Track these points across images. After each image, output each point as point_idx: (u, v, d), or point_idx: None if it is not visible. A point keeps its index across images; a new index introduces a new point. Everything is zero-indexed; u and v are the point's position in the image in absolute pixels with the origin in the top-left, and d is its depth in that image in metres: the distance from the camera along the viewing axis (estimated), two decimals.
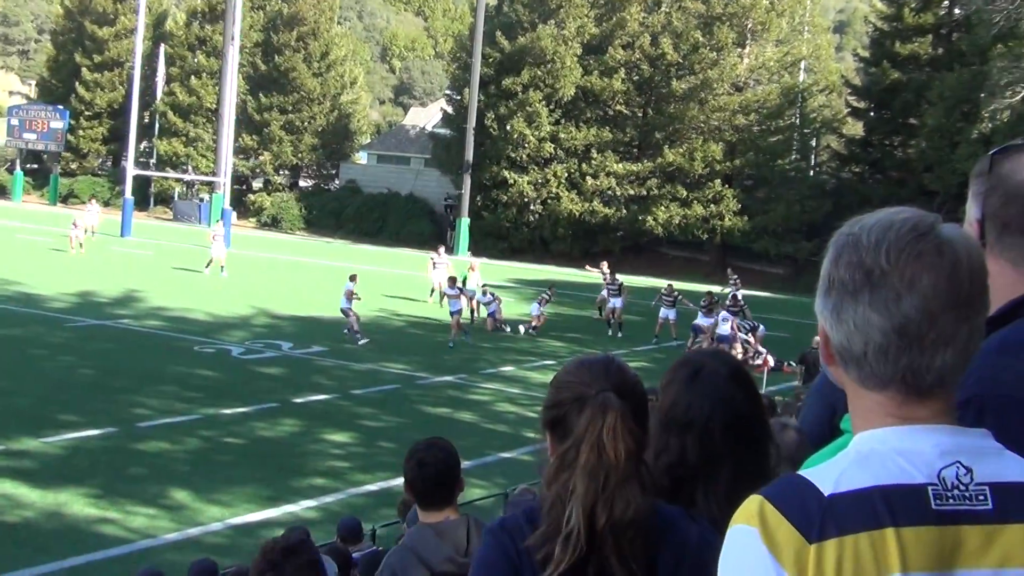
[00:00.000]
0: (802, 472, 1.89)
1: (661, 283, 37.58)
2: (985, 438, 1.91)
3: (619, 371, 2.86)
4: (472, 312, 34.04)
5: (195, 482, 15.92)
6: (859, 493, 1.81)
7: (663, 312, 33.88)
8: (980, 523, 1.80)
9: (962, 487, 1.81)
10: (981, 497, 1.82)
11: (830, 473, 1.85)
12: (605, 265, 37.31)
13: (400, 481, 16.71)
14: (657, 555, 2.74)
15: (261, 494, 15.66)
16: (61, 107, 76.23)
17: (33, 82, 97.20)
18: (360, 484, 16.53)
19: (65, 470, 16.10)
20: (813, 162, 64.70)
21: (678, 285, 36.47)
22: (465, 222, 61.53)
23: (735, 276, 41.27)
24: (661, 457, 3.14)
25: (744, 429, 3.14)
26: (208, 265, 41.11)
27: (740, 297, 35.69)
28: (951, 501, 1.80)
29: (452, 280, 32.55)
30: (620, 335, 33.57)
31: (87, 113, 77.74)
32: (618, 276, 36.52)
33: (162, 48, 74.73)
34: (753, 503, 1.87)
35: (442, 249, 40.63)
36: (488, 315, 33.97)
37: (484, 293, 34.44)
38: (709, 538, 2.80)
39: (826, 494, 1.81)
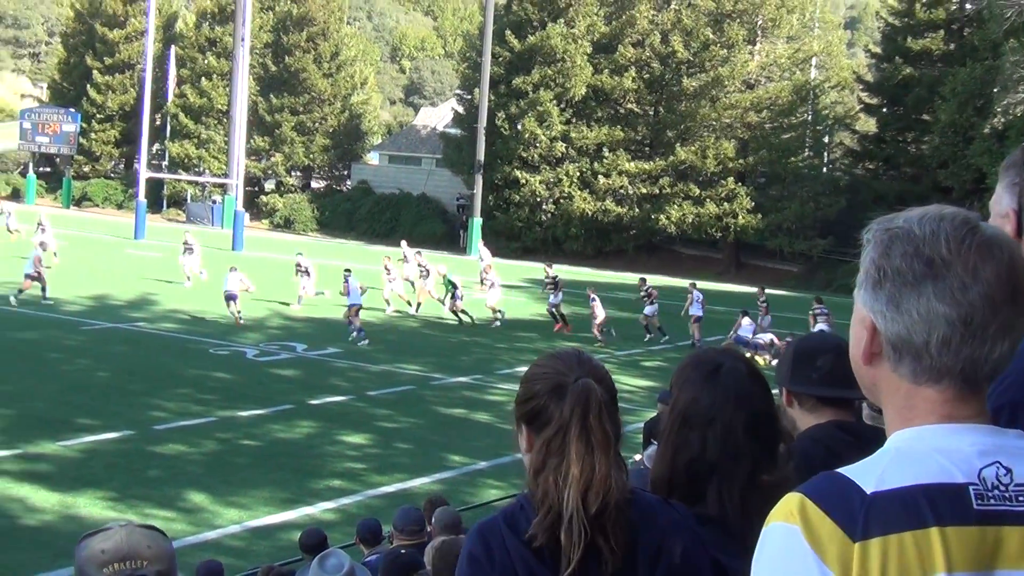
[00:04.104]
0: (840, 470, 1.86)
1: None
2: (1022, 439, 1.89)
3: (590, 360, 2.88)
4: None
5: (212, 484, 15.96)
6: (902, 491, 1.79)
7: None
8: (1021, 524, 1.79)
9: (1002, 487, 1.80)
10: (1021, 498, 1.80)
11: (870, 470, 1.84)
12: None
13: (419, 481, 16.72)
14: (637, 540, 2.74)
15: (278, 496, 15.68)
16: (73, 110, 76.17)
17: (44, 85, 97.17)
18: (377, 485, 16.56)
19: (82, 473, 16.16)
20: (826, 159, 64.60)
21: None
22: (477, 222, 61.46)
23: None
24: (680, 453, 3.16)
25: (761, 427, 3.16)
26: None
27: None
28: (992, 501, 1.79)
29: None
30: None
31: (99, 116, 77.70)
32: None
33: (172, 50, 74.65)
34: (793, 500, 1.84)
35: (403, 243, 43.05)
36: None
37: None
38: (682, 521, 2.85)
39: (868, 492, 1.80)
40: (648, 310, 33.54)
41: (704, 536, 2.87)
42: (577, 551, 2.65)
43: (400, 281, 36.11)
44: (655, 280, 42.61)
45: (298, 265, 35.30)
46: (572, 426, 2.72)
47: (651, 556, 2.75)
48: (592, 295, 32.79)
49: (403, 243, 43.30)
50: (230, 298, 31.70)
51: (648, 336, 33.00)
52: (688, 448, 3.15)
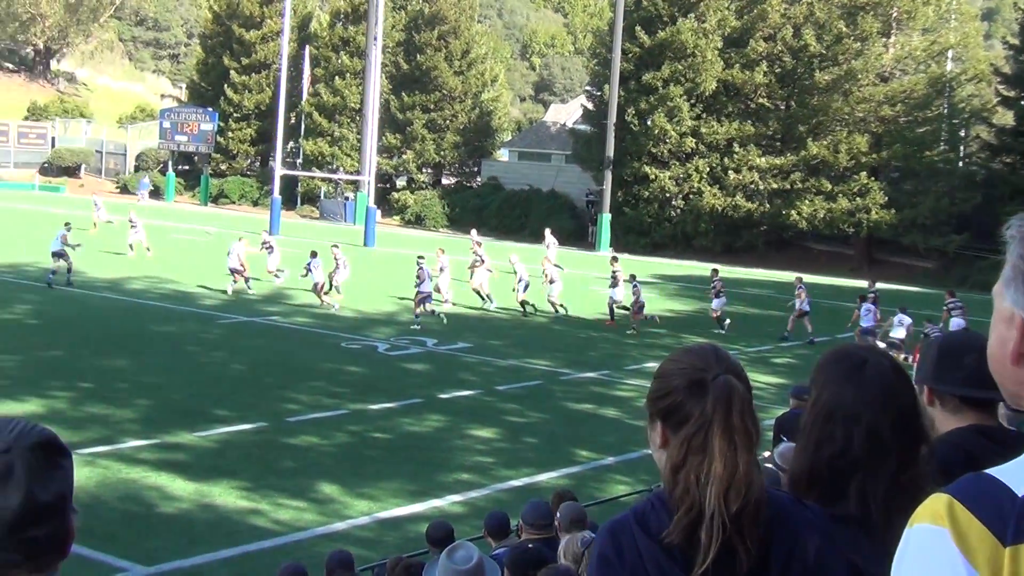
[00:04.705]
0: (989, 471, 1.81)
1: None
2: None
3: (727, 356, 2.83)
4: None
5: (343, 476, 16.20)
6: None
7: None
8: None
9: None
10: None
11: (1021, 473, 1.78)
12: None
13: (547, 476, 16.76)
14: (771, 540, 2.70)
15: (407, 488, 15.85)
16: (211, 109, 77.88)
17: (184, 85, 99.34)
18: (505, 479, 16.63)
19: (218, 463, 16.51)
20: (962, 153, 63.03)
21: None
22: (607, 218, 61.38)
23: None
24: (823, 448, 3.14)
25: (906, 424, 3.12)
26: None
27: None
28: None
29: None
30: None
31: (235, 115, 79.12)
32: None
33: (307, 50, 75.80)
34: (939, 502, 1.79)
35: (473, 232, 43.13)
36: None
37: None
38: (816, 520, 2.81)
39: (1020, 495, 1.74)
40: (716, 303, 33.21)
41: (838, 536, 2.83)
42: (714, 550, 2.62)
43: (447, 274, 35.74)
44: (784, 276, 42.14)
45: (335, 257, 36.02)
46: (715, 423, 2.68)
47: (784, 556, 2.71)
48: (635, 283, 32.95)
49: (473, 231, 43.45)
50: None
51: (720, 331, 32.59)
52: (831, 444, 3.12)
